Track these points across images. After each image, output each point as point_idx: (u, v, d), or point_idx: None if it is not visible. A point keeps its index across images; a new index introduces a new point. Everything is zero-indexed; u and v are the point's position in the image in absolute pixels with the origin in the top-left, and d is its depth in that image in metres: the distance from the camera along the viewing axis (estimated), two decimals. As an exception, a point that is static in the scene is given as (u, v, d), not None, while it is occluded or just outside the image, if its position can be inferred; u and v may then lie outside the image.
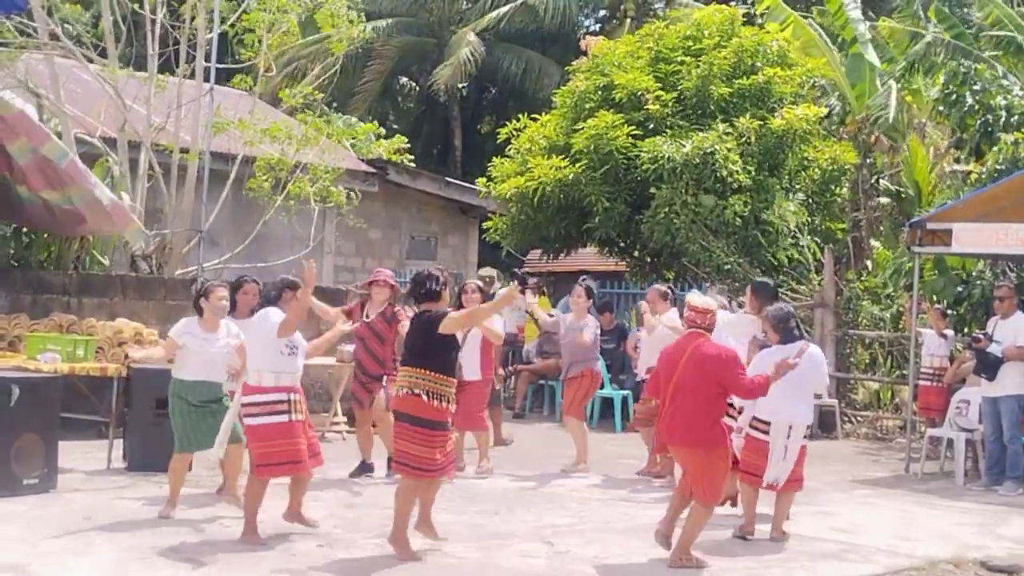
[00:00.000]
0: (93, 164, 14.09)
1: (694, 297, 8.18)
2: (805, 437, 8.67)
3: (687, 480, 7.83)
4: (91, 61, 14.45)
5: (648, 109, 16.45)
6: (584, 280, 11.90)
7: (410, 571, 7.28)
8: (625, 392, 15.03)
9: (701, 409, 7.64)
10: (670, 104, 16.52)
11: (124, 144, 14.23)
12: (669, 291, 11.64)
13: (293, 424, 7.78)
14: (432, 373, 7.43)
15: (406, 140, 21.77)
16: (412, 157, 21.58)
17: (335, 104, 17.49)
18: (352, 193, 15.98)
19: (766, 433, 8.50)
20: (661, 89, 16.63)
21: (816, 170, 17.13)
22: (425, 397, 7.39)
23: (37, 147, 10.65)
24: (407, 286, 8.15)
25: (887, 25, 19.03)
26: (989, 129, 14.53)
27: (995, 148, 14.30)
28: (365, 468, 10.41)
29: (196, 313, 8.61)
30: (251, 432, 7.84)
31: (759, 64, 17.10)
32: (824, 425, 15.00)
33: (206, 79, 14.24)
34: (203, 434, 8.44)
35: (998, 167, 14.04)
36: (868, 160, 18.64)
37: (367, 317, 10.25)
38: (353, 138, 18.23)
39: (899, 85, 18.08)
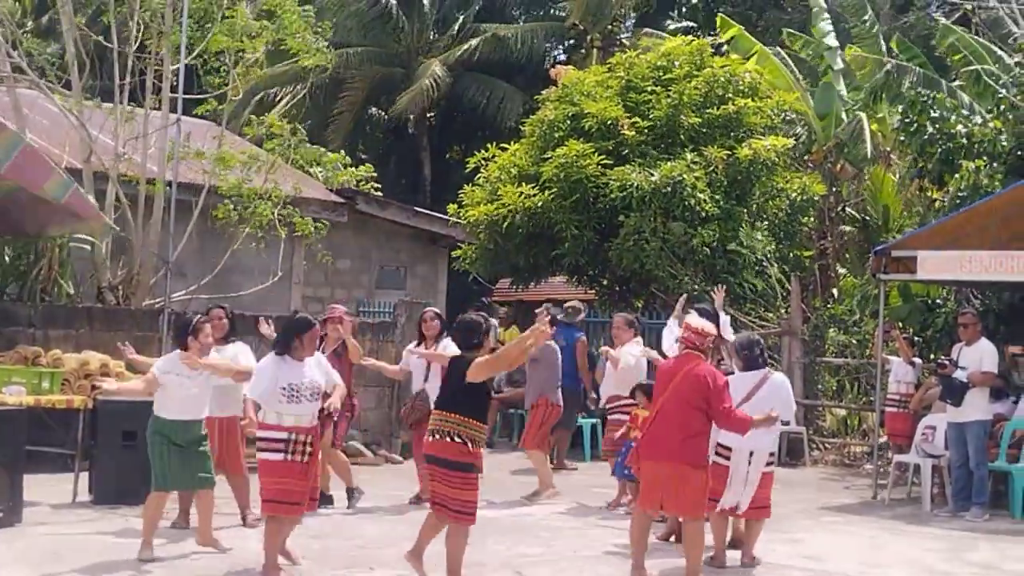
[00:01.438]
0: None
1: (694, 319, 8.29)
2: (769, 464, 8.74)
3: (658, 496, 7.89)
4: (55, 92, 14.39)
5: (624, 134, 16.53)
6: (547, 307, 11.93)
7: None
8: (594, 421, 15.03)
9: (686, 426, 7.78)
10: (645, 131, 16.64)
11: (90, 175, 14.15)
12: (636, 320, 11.69)
13: (288, 464, 7.71)
14: (463, 417, 7.46)
15: (373, 169, 21.74)
16: (379, 186, 21.56)
17: (306, 135, 17.39)
18: (319, 224, 15.95)
19: (728, 459, 8.56)
20: (631, 117, 16.74)
21: (784, 200, 17.26)
22: (459, 440, 7.42)
23: None
24: (455, 330, 8.09)
25: (855, 53, 19.25)
26: (950, 157, 14.70)
27: (957, 175, 14.46)
28: (325, 500, 10.32)
29: (181, 348, 8.37)
30: (259, 467, 7.80)
31: (730, 95, 17.24)
32: (792, 452, 15.06)
33: (173, 110, 14.20)
34: (183, 473, 8.26)
35: (960, 194, 14.21)
36: (834, 189, 18.80)
37: (322, 353, 10.16)
38: (317, 163, 18.13)
39: (865, 114, 18.28)
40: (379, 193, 20.44)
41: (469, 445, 7.43)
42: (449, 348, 10.69)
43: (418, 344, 11.05)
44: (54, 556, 8.06)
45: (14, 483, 9.00)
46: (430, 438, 7.54)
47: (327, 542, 8.90)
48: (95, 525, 9.23)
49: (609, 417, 11.26)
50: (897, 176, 18.95)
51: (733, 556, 8.68)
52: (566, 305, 15.62)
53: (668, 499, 7.90)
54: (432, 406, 10.54)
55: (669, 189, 15.68)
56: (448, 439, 7.41)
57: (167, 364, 8.36)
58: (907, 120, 15.21)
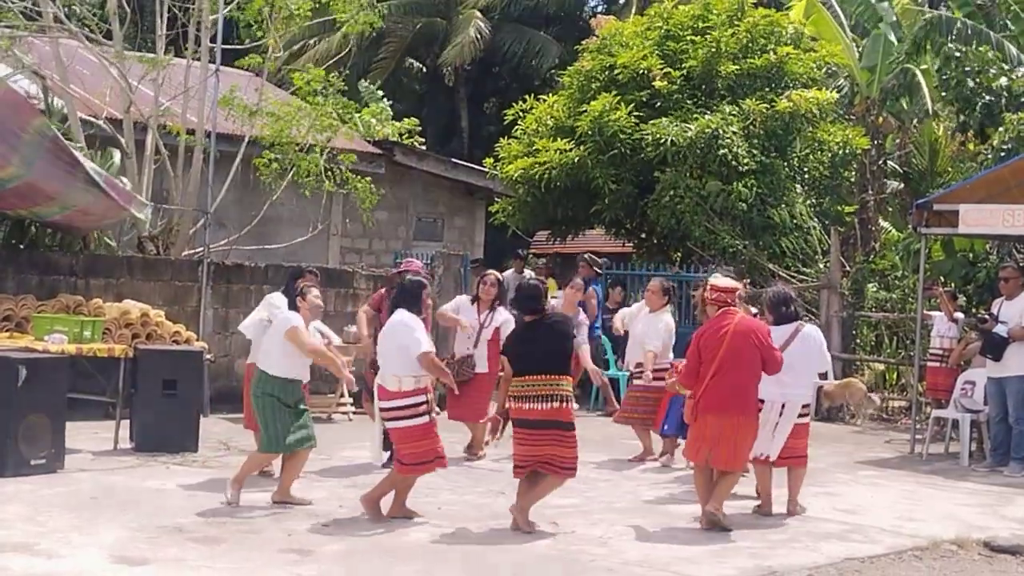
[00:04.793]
0: (99, 146, 14.10)
1: (717, 279, 8.64)
2: (803, 416, 8.82)
3: (707, 448, 8.11)
4: (96, 42, 14.42)
5: (655, 85, 16.38)
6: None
7: (414, 548, 7.31)
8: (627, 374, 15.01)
9: (747, 379, 8.10)
10: (678, 81, 16.47)
11: (130, 125, 14.21)
12: (671, 288, 11.68)
13: (431, 424, 7.95)
14: (561, 377, 7.80)
15: (416, 123, 21.69)
16: (423, 140, 21.54)
17: (345, 85, 17.29)
18: (374, 187, 15.83)
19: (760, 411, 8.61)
20: (667, 67, 16.58)
21: (826, 153, 17.07)
22: (564, 403, 7.75)
23: (25, 126, 10.47)
24: (513, 295, 8.47)
25: (901, 4, 18.95)
26: (992, 111, 14.52)
27: (1001, 128, 14.28)
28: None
29: (291, 308, 8.41)
30: (399, 434, 7.91)
31: (772, 45, 17.03)
32: (830, 406, 15.00)
33: (212, 60, 14.20)
34: (294, 434, 8.23)
35: (1004, 146, 14.03)
36: (876, 142, 18.58)
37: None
38: (357, 111, 17.97)
39: (915, 67, 18.01)
40: (422, 145, 20.40)
41: (569, 404, 7.74)
42: (506, 325, 10.68)
43: (472, 302, 10.99)
44: (95, 502, 8.17)
45: (56, 430, 9.13)
46: (535, 404, 7.69)
47: (362, 491, 8.94)
48: (136, 472, 9.35)
49: (633, 382, 11.19)
50: (941, 130, 18.72)
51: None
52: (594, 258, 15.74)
53: (718, 453, 8.09)
54: (475, 369, 10.66)
55: (704, 144, 15.55)
56: (555, 402, 7.68)
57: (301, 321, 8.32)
58: (945, 76, 15.04)
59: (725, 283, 8.52)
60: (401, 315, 8.03)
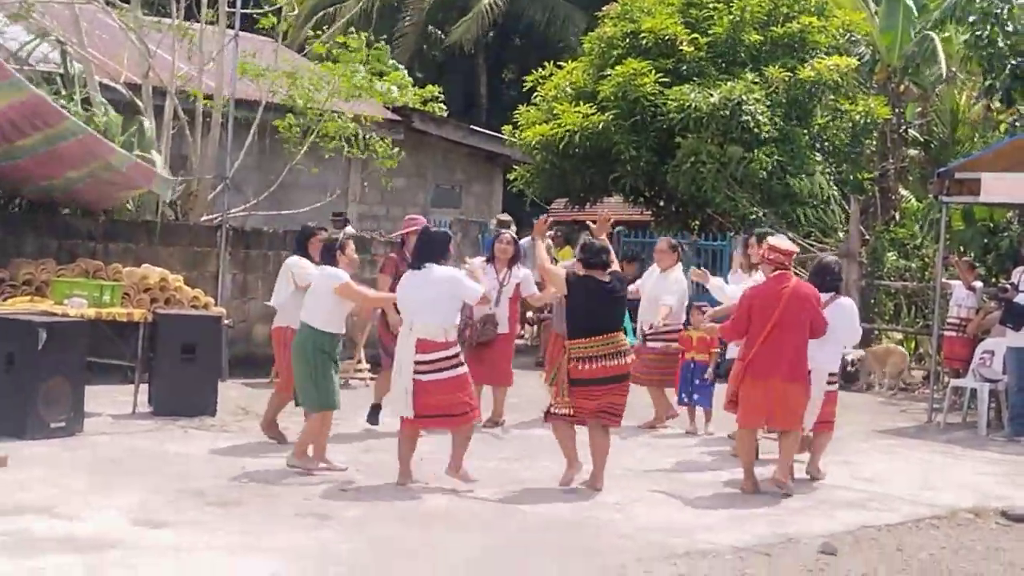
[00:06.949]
0: (120, 112, 14.07)
1: (779, 240, 8.65)
2: (831, 383, 8.82)
3: (765, 413, 8.29)
4: (114, 6, 14.39)
5: (682, 51, 16.28)
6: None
7: (432, 513, 7.34)
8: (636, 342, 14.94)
9: (801, 345, 8.19)
10: (704, 48, 16.38)
11: (148, 90, 14.18)
12: (679, 244, 11.66)
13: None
14: (621, 334, 8.14)
15: (439, 90, 21.58)
16: (445, 107, 21.46)
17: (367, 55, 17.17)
18: (396, 149, 15.79)
19: None
20: (691, 34, 16.48)
21: (847, 122, 16.96)
22: (628, 358, 8.13)
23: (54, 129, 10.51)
24: (578, 255, 8.41)
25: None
26: (1019, 74, 14.34)
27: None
28: (378, 411, 10.26)
29: (330, 266, 8.35)
30: (443, 386, 7.83)
31: (795, 13, 16.90)
32: (847, 375, 14.96)
33: (230, 24, 14.15)
34: (337, 390, 8.35)
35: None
36: (897, 110, 18.45)
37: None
38: (381, 76, 17.84)
39: (933, 34, 17.83)
40: (444, 112, 20.30)
41: (629, 356, 8.12)
42: (526, 281, 10.68)
43: (488, 262, 10.80)
44: (115, 465, 8.22)
45: (76, 393, 9.18)
46: (608, 362, 7.90)
47: (379, 456, 8.98)
48: (154, 435, 9.40)
49: (648, 344, 11.00)
50: (963, 98, 18.54)
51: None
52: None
53: (776, 415, 8.28)
54: (497, 328, 10.62)
55: (727, 111, 15.47)
56: (625, 358, 7.99)
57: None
58: (978, 33, 14.81)
59: (785, 245, 8.52)
60: (441, 269, 7.94)
